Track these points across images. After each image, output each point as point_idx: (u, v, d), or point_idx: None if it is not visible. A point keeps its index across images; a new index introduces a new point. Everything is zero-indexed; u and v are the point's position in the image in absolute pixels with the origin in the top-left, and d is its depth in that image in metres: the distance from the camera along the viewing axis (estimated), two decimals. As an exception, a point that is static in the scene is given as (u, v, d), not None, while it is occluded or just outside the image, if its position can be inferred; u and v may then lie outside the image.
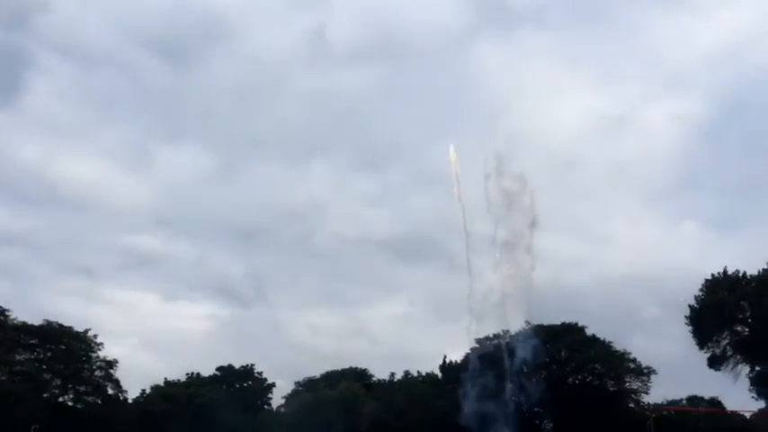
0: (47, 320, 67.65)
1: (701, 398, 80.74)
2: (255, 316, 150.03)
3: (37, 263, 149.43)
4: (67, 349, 67.22)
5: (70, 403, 69.48)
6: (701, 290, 62.18)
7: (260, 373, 73.36)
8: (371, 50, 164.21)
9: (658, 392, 69.96)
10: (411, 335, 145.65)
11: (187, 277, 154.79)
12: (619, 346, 68.35)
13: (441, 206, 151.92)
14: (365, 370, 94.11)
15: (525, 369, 62.00)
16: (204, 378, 71.42)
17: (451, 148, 59.29)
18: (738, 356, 60.62)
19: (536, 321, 66.54)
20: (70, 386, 68.72)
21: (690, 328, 62.11)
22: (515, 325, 69.55)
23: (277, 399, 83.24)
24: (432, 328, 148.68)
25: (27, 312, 68.55)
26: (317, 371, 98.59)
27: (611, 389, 66.94)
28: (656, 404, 44.49)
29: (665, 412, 56.82)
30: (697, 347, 61.92)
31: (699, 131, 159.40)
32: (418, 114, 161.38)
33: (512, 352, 61.90)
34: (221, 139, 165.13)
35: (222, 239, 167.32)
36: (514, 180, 57.81)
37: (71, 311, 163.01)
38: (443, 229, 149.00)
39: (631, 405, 65.82)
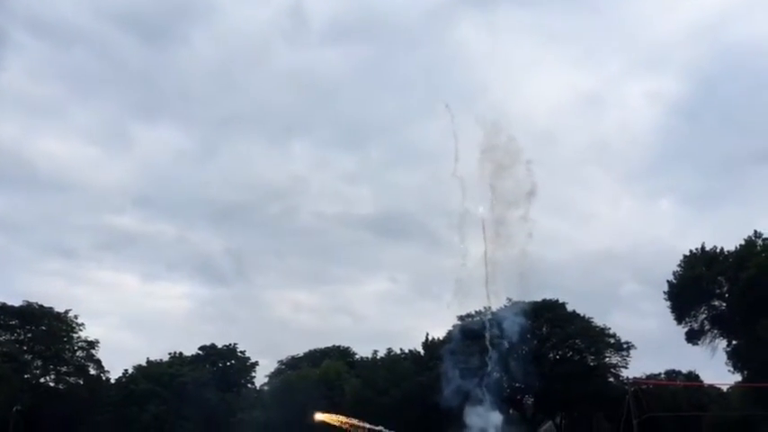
0: (27, 301, 67.28)
1: (679, 372, 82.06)
2: (237, 295, 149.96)
3: (15, 243, 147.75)
4: (48, 330, 66.88)
5: (52, 384, 69.31)
6: (679, 266, 63.02)
7: (243, 352, 73.51)
8: (351, 27, 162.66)
9: (637, 367, 71.10)
10: (393, 312, 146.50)
11: (167, 257, 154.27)
12: (599, 321, 69.40)
13: (421, 184, 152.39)
14: (348, 348, 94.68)
15: (507, 345, 62.60)
16: (187, 357, 71.38)
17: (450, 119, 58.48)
18: (715, 331, 61.69)
19: (518, 298, 67.34)
20: (51, 367, 68.46)
21: (668, 303, 63.06)
22: (498, 302, 70.44)
23: (260, 377, 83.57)
24: (413, 305, 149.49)
25: (5, 293, 67.97)
26: (299, 349, 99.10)
27: (592, 363, 67.88)
28: (635, 378, 45.18)
29: (643, 386, 57.58)
30: (675, 322, 63.02)
31: (676, 109, 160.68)
32: (398, 92, 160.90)
33: (493, 328, 62.48)
34: (200, 117, 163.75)
35: (202, 218, 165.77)
36: (506, 152, 57.70)
37: (50, 292, 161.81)
38: (424, 206, 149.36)
39: (611, 379, 66.80)
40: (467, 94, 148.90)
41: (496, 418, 56.60)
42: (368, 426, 57.76)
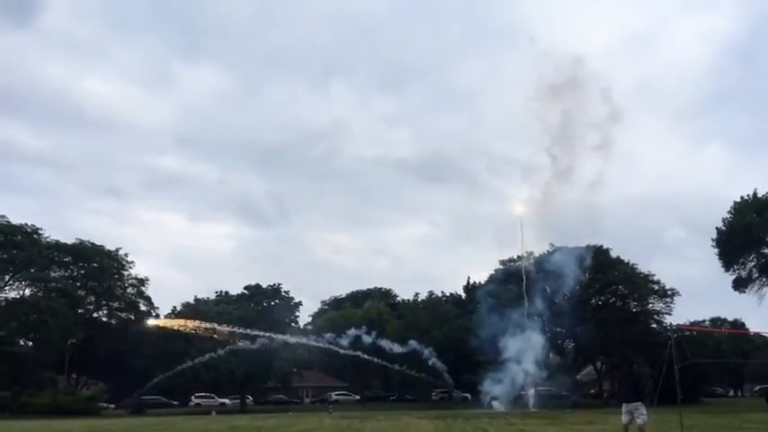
0: (79, 239, 69.27)
1: (725, 319, 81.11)
2: (279, 236, 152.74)
3: (64, 182, 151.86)
4: (100, 267, 68.90)
5: (104, 319, 71.91)
6: (729, 212, 61.51)
7: (287, 292, 74.85)
8: None
9: (681, 314, 70.47)
10: (433, 255, 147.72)
11: (210, 197, 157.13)
12: (643, 268, 68.55)
13: (460, 126, 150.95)
14: (390, 290, 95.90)
15: (548, 290, 62.50)
16: (232, 296, 73.14)
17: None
18: (764, 279, 60.46)
19: (560, 243, 66.86)
20: (104, 302, 70.89)
21: (716, 250, 61.84)
22: (541, 247, 70.12)
23: (303, 317, 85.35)
24: (454, 249, 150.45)
25: (56, 231, 70.13)
26: (341, 291, 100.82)
27: (634, 309, 67.42)
28: (678, 325, 44.54)
29: (687, 333, 57.01)
30: (722, 270, 61.89)
31: (728, 49, 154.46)
32: (438, 30, 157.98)
33: (535, 272, 62.36)
34: (240, 57, 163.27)
35: (244, 160, 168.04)
36: (553, 92, 56.61)
37: (98, 230, 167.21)
38: (465, 149, 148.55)
39: (654, 326, 66.36)
40: (510, 34, 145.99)
41: (537, 340, 56.90)
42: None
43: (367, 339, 63.28)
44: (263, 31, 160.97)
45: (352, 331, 64.05)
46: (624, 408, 15.31)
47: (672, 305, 66.89)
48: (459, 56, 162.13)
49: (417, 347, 63.07)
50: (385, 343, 64.11)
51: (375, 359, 63.78)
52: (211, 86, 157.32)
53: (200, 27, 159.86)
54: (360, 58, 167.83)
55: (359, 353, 63.22)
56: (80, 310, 68.19)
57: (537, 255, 69.41)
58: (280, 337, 62.79)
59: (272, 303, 73.34)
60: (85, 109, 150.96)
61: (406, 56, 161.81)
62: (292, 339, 65.38)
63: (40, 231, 66.46)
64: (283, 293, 74.46)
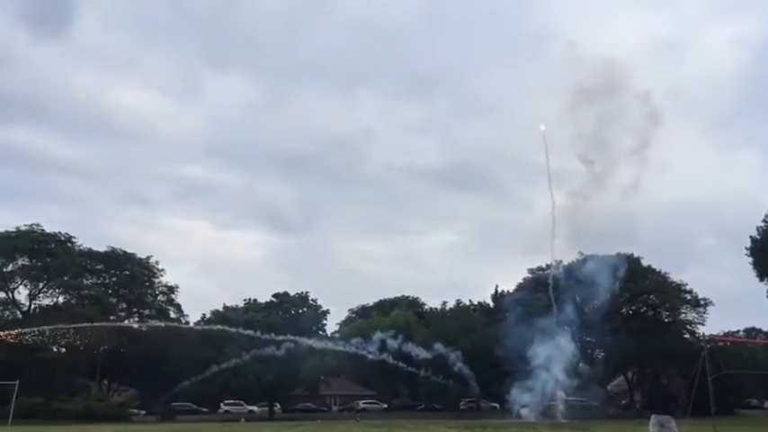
0: (111, 247, 70.28)
1: (759, 329, 79.47)
2: (306, 244, 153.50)
3: (94, 191, 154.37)
4: (131, 275, 69.83)
5: (135, 326, 72.74)
6: (763, 220, 60.31)
7: (314, 300, 74.99)
8: None
9: (715, 324, 69.24)
10: (460, 264, 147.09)
11: (238, 206, 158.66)
12: (675, 276, 67.57)
13: (487, 134, 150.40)
14: (417, 298, 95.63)
15: (578, 299, 61.84)
16: (260, 304, 73.47)
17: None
18: (799, 288, 59.12)
19: (590, 252, 66.16)
20: (135, 310, 71.78)
21: (750, 259, 60.64)
22: (570, 255, 69.45)
23: (331, 325, 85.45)
24: (481, 257, 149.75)
25: (87, 239, 71.27)
26: (367, 299, 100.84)
27: (666, 320, 66.41)
28: (711, 335, 43.82)
29: (720, 343, 56.01)
30: (757, 279, 60.65)
31: (763, 54, 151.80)
32: (465, 39, 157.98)
33: (564, 281, 61.73)
34: (267, 67, 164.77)
35: (271, 169, 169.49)
36: (582, 100, 56.17)
37: (128, 239, 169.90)
38: (490, 157, 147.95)
39: (686, 336, 65.30)
40: (537, 41, 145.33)
41: (567, 347, 56.17)
42: None
43: (393, 344, 63.00)
44: (290, 41, 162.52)
45: (378, 335, 63.83)
46: (654, 419, 14.98)
47: (705, 315, 65.93)
48: (485, 63, 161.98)
49: (443, 352, 62.67)
50: (411, 347, 63.80)
51: (401, 363, 63.38)
52: (239, 96, 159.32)
53: (227, 38, 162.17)
54: (386, 66, 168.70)
55: (385, 355, 62.89)
56: (112, 317, 69.11)
57: (566, 263, 68.84)
58: (305, 340, 62.80)
59: (300, 311, 73.50)
60: (115, 119, 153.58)
61: (432, 64, 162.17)
62: (319, 343, 65.38)
63: (74, 240, 67.59)
64: (311, 301, 74.61)
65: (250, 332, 60.37)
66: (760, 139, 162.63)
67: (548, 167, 62.82)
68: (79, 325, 55.67)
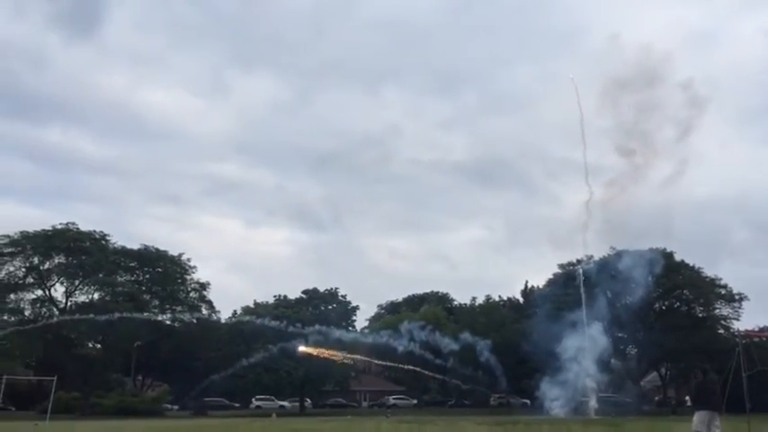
0: (143, 245, 71.24)
1: (796, 325, 77.73)
2: (334, 241, 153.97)
3: (127, 190, 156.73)
4: (164, 272, 70.70)
5: (168, 322, 73.73)
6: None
7: (344, 296, 75.29)
8: None
9: (750, 319, 68.03)
10: (489, 260, 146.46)
11: (267, 203, 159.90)
12: (709, 271, 66.54)
13: (515, 129, 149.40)
14: (446, 294, 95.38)
15: (609, 294, 61.23)
16: (291, 300, 73.96)
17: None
18: (839, 283, 57.95)
19: (622, 247, 65.43)
20: (168, 306, 72.67)
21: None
22: (601, 250, 68.77)
23: (361, 321, 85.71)
24: (510, 253, 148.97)
25: (121, 237, 72.30)
26: (396, 295, 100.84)
27: (700, 315, 65.46)
28: (746, 330, 43.07)
29: (756, 339, 54.97)
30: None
31: None
32: (490, 35, 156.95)
33: (596, 276, 61.18)
34: (294, 65, 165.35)
35: (299, 166, 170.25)
36: (614, 94, 55.63)
37: (160, 236, 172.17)
38: (518, 153, 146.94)
39: (720, 331, 64.28)
40: (564, 36, 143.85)
41: (599, 341, 55.64)
42: None
43: (421, 335, 62.80)
44: (316, 39, 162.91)
45: (406, 325, 63.64)
46: (699, 417, 14.80)
47: (740, 310, 64.84)
48: (512, 58, 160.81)
49: (471, 341, 62.32)
50: (439, 338, 63.52)
51: (428, 354, 63.08)
52: (267, 95, 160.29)
53: (254, 37, 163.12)
54: (412, 63, 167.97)
55: (413, 346, 62.66)
56: (145, 314, 70.09)
57: (597, 258, 68.23)
58: (333, 331, 62.99)
59: (330, 307, 73.88)
60: (146, 118, 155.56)
61: (458, 60, 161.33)
62: (348, 336, 65.63)
63: (108, 238, 68.67)
64: (340, 297, 74.93)
65: (275, 324, 61.04)
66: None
67: (584, 143, 61.51)
68: (114, 316, 56.32)
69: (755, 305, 67.65)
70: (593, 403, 56.14)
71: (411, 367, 65.10)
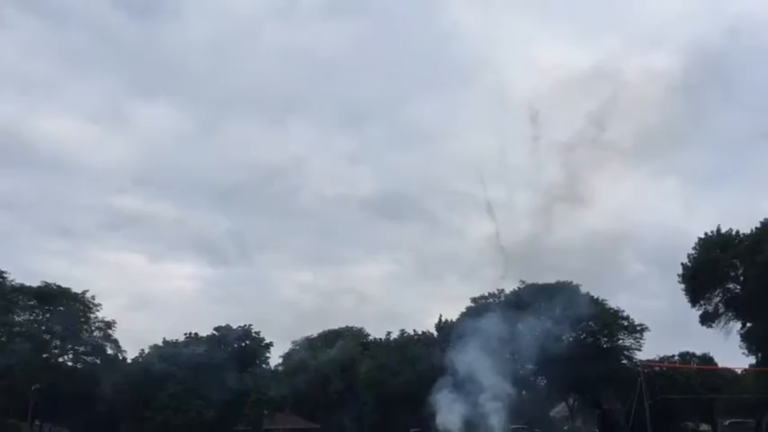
0: (44, 282, 68.05)
1: (694, 354, 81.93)
2: (243, 276, 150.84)
3: (19, 224, 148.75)
4: (66, 311, 67.64)
5: (70, 363, 70.30)
6: (693, 248, 62.79)
7: (257, 333, 73.98)
8: (344, 4, 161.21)
9: (651, 349, 70.99)
10: (402, 294, 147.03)
11: (170, 237, 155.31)
12: (612, 303, 69.36)
13: (420, 164, 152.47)
14: (361, 329, 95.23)
15: (520, 327, 62.74)
16: (202, 338, 72.10)
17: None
18: (730, 313, 61.49)
19: (530, 280, 67.50)
20: (70, 346, 69.40)
21: (683, 285, 62.88)
22: (511, 284, 70.72)
23: (275, 358, 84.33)
24: (422, 287, 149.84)
25: (15, 275, 68.10)
26: (310, 331, 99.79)
27: (605, 345, 67.89)
28: (647, 360, 45.22)
29: (656, 368, 57.68)
30: (689, 305, 62.86)
31: (674, 86, 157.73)
32: (395, 69, 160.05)
33: (506, 310, 62.61)
34: (197, 96, 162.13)
35: (203, 199, 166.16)
36: (510, 130, 57.76)
37: (57, 273, 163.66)
38: (424, 187, 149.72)
39: (624, 361, 66.84)
40: (465, 72, 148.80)
41: (508, 375, 56.78)
42: None
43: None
44: (218, 69, 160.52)
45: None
46: None
47: (641, 341, 67.62)
48: (417, 93, 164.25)
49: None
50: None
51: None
52: (168, 124, 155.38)
53: (154, 65, 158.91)
54: (317, 95, 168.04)
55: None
56: (45, 355, 66.65)
57: (508, 291, 70.12)
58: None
59: (243, 344, 72.40)
60: (38, 148, 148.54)
61: (363, 93, 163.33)
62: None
63: (5, 274, 65.25)
64: (254, 334, 73.59)
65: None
66: (682, 168, 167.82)
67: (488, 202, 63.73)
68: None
69: (655, 335, 70.69)
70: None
71: None
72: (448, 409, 56.55)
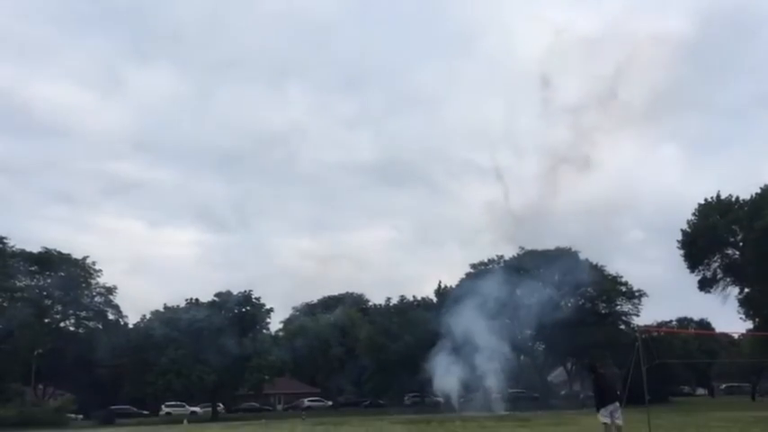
0: (45, 248, 68.04)
1: (691, 319, 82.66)
2: (243, 242, 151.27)
3: (19, 190, 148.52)
4: (67, 276, 67.70)
5: (72, 328, 70.72)
6: (693, 214, 62.87)
7: (258, 299, 74.28)
8: None
9: (649, 314, 71.65)
10: (401, 260, 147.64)
11: (170, 203, 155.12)
12: (611, 269, 69.67)
13: (421, 130, 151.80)
14: (361, 295, 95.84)
15: (519, 293, 63.08)
16: (203, 303, 72.41)
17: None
18: (728, 279, 61.83)
19: (530, 246, 67.62)
20: (71, 312, 69.74)
21: (682, 251, 63.10)
22: (510, 250, 70.92)
23: (275, 324, 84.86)
24: (422, 253, 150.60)
25: (16, 240, 67.85)
26: (311, 296, 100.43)
27: (603, 311, 68.37)
28: (645, 326, 45.48)
29: (654, 333, 58.07)
30: (688, 271, 63.17)
31: (682, 50, 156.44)
32: (395, 32, 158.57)
33: (506, 276, 62.88)
34: (194, 60, 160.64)
35: (202, 164, 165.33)
36: (515, 95, 57.26)
37: (58, 239, 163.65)
38: (424, 152, 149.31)
39: (622, 327, 67.38)
40: (465, 36, 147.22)
41: (507, 340, 57.32)
42: None
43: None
44: (216, 33, 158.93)
45: None
46: (604, 410, 15.62)
47: (640, 306, 68.09)
48: (417, 57, 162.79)
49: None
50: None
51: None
52: (166, 90, 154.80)
53: (151, 29, 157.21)
54: (316, 59, 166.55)
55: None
56: (46, 320, 67.02)
57: (507, 258, 70.30)
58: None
59: (244, 310, 72.73)
60: (35, 113, 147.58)
61: (363, 57, 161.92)
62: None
63: (6, 240, 65.22)
64: (254, 300, 73.88)
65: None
66: (681, 133, 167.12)
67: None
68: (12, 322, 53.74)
69: (654, 301, 71.19)
70: (502, 399, 57.81)
71: None
72: (445, 372, 57.31)
